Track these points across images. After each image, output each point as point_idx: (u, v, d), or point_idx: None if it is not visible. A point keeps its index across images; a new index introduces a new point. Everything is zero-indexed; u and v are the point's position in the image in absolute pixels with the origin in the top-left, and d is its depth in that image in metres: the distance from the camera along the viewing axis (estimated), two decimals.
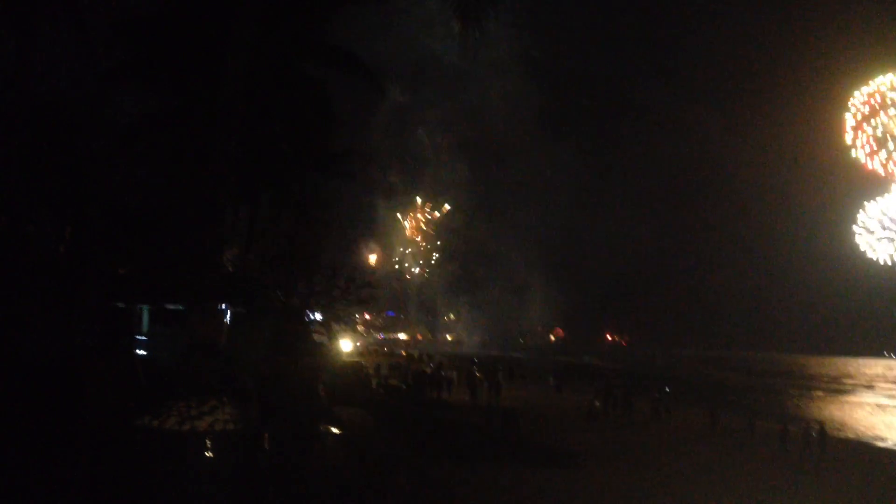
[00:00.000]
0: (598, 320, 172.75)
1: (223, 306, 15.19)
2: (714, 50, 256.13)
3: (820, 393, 68.01)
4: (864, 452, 28.55)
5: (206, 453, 6.26)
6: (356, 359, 46.03)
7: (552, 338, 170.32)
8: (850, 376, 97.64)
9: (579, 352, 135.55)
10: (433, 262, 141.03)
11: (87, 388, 8.37)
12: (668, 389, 39.35)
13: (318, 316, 33.94)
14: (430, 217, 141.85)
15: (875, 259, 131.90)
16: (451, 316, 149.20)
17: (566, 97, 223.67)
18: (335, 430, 16.79)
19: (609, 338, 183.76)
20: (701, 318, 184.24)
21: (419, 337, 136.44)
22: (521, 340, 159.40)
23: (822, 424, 26.41)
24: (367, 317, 45.08)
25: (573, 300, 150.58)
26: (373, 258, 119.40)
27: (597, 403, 33.37)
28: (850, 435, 35.17)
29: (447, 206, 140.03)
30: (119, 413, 6.48)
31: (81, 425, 7.30)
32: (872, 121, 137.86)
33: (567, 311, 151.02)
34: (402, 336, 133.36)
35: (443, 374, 46.86)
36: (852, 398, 63.82)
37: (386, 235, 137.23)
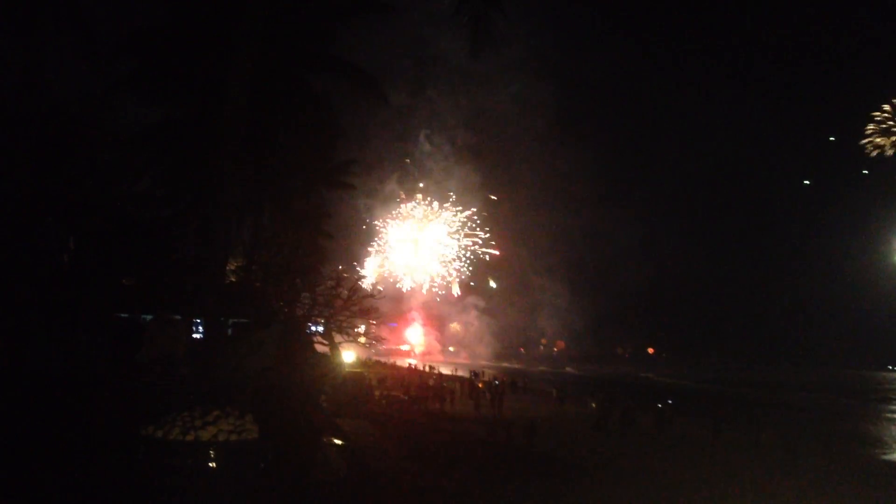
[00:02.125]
0: (611, 332, 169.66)
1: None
2: (749, 42, 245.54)
3: (837, 406, 67.50)
4: (872, 465, 28.41)
5: (210, 464, 6.25)
6: (359, 370, 46.02)
7: (555, 349, 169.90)
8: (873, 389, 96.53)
9: (571, 363, 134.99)
10: (440, 270, 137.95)
11: (92, 398, 8.38)
12: (670, 402, 39.51)
13: (321, 327, 33.94)
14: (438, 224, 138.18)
15: None
16: (457, 326, 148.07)
17: (586, 97, 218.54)
18: (338, 442, 16.77)
19: (620, 350, 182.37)
20: (723, 331, 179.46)
21: (423, 349, 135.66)
22: (522, 350, 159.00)
23: (827, 436, 26.38)
24: (370, 328, 44.98)
25: (588, 310, 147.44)
26: (375, 268, 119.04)
27: (601, 415, 33.40)
28: (859, 447, 35.00)
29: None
30: (124, 423, 6.49)
31: (86, 436, 7.31)
32: None
33: (582, 322, 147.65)
34: (406, 347, 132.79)
35: (444, 385, 46.92)
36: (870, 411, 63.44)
37: (388, 243, 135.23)
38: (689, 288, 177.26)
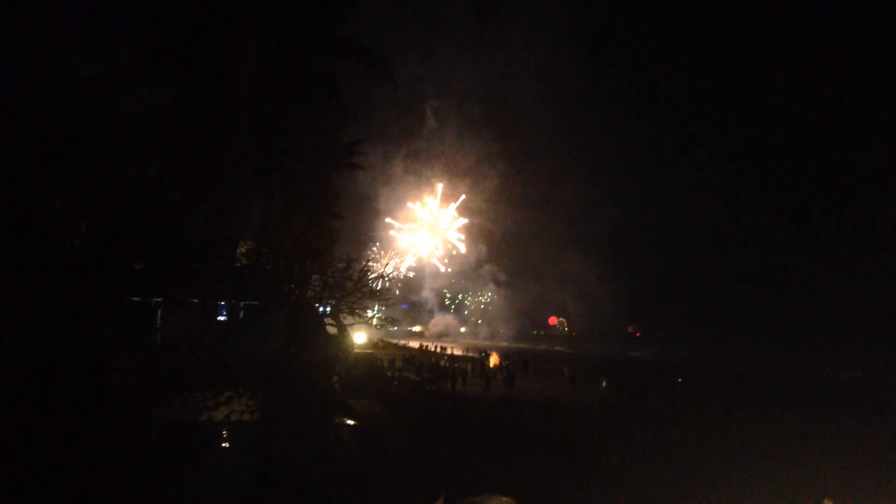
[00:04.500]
0: (625, 311, 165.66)
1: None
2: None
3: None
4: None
5: (223, 443, 6.30)
6: (370, 351, 46.21)
7: (564, 329, 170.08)
8: None
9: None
10: (453, 249, 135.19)
11: (105, 382, 8.44)
12: (680, 380, 39.58)
13: (331, 308, 34.07)
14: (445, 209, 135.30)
15: None
16: (471, 306, 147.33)
17: (614, 58, 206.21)
18: (350, 422, 16.87)
19: (630, 330, 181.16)
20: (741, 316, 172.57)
21: (433, 329, 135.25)
22: (535, 333, 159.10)
23: (837, 416, 26.26)
24: (381, 309, 45.16)
25: (614, 287, 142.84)
26: (386, 249, 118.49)
27: (613, 395, 33.50)
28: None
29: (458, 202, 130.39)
30: (138, 405, 6.54)
31: (99, 418, 7.37)
32: None
33: (604, 299, 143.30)
34: (417, 328, 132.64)
35: (456, 366, 47.11)
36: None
37: (399, 223, 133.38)
38: (712, 269, 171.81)
